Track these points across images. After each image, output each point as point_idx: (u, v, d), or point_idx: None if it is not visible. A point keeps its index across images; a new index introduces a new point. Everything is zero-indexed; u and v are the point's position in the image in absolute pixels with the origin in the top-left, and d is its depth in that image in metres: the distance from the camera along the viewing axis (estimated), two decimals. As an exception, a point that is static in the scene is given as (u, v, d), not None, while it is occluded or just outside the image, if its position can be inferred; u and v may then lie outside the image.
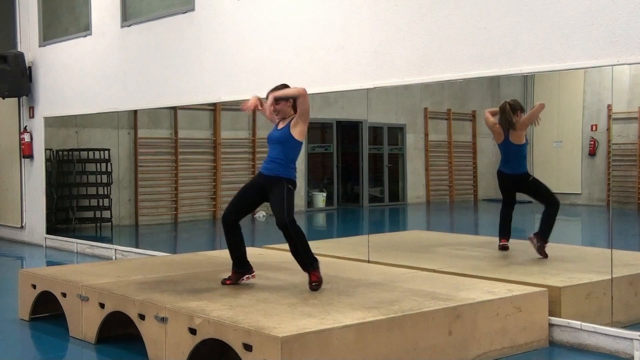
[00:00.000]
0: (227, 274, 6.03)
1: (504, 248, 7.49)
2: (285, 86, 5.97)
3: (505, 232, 7.53)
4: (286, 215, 5.64)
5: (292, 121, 5.83)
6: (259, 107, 6.03)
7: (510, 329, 5.47)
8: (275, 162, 5.82)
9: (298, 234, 5.71)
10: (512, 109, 7.27)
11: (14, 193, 12.85)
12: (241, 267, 6.00)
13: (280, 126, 5.91)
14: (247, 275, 6.01)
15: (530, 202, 10.08)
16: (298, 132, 5.81)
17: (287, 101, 5.84)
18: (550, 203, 7.29)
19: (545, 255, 7.06)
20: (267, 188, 5.80)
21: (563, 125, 10.39)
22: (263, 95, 6.08)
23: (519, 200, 7.63)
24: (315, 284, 5.71)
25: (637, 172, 9.67)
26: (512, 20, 6.14)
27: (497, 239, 7.52)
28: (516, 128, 7.28)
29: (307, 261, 5.77)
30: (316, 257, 5.81)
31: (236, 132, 12.63)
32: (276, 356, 4.28)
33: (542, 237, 7.14)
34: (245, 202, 5.96)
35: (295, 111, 5.83)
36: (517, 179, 7.38)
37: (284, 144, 5.81)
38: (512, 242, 7.45)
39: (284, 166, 5.80)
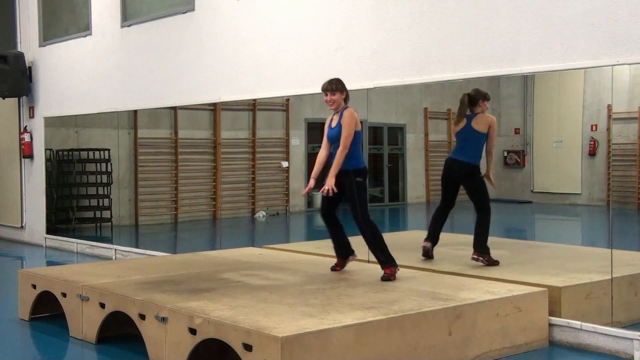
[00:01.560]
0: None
1: (426, 252, 7.20)
2: (338, 81, 6.24)
3: (432, 233, 7.23)
4: (360, 214, 6.09)
5: (342, 120, 6.13)
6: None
7: (510, 329, 5.47)
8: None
9: (372, 230, 6.13)
10: (470, 100, 6.96)
11: (14, 193, 12.85)
12: (344, 251, 6.50)
13: (335, 123, 6.22)
14: (351, 257, 6.52)
15: (530, 202, 10.08)
16: (347, 131, 6.08)
17: (341, 93, 6.19)
18: (482, 208, 6.96)
19: (496, 263, 6.77)
20: (341, 183, 6.14)
21: (563, 125, 10.39)
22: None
23: (520, 200, 7.61)
24: (387, 276, 6.05)
25: (637, 172, 9.68)
26: (512, 20, 6.14)
27: (496, 239, 7.46)
28: (479, 118, 6.93)
29: (382, 258, 6.11)
30: (393, 257, 6.12)
31: (236, 132, 12.63)
32: (276, 356, 4.29)
33: (482, 250, 6.83)
34: (330, 199, 6.24)
35: (345, 103, 6.24)
36: (467, 169, 6.98)
37: (339, 141, 6.11)
38: (512, 242, 7.44)
39: (348, 158, 6.10)
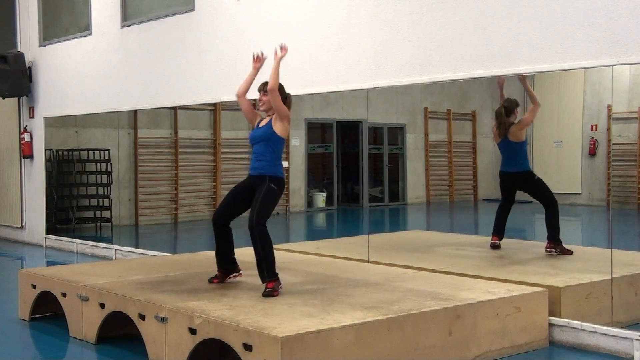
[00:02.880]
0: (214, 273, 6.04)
1: (494, 246, 7.49)
2: (267, 84, 5.90)
3: (498, 230, 7.54)
4: (255, 217, 5.57)
5: (273, 118, 5.81)
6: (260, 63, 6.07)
7: (510, 329, 5.47)
8: (260, 160, 5.79)
9: (263, 239, 5.56)
10: (506, 111, 7.33)
11: (14, 193, 12.85)
12: (228, 266, 6.02)
13: (262, 124, 5.91)
14: (234, 274, 6.04)
15: (530, 202, 10.08)
16: (279, 128, 5.77)
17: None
18: (549, 203, 7.31)
19: (569, 252, 7.13)
20: (255, 188, 5.75)
21: (563, 125, 10.38)
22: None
23: (519, 200, 7.62)
24: (269, 290, 5.48)
25: (637, 172, 9.67)
26: (512, 20, 6.14)
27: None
28: (514, 129, 7.30)
29: (267, 269, 5.55)
30: (277, 272, 5.60)
31: (236, 132, 12.63)
32: (276, 356, 4.29)
33: (556, 242, 7.18)
34: (235, 203, 5.91)
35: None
36: (520, 177, 7.40)
37: (267, 141, 5.78)
38: (512, 242, 7.45)
39: (270, 163, 5.77)
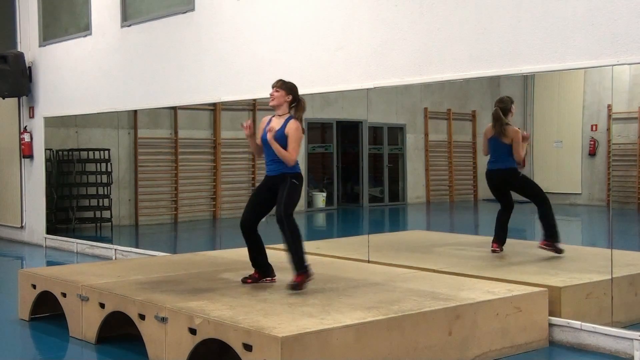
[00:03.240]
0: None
1: (495, 253, 7.40)
2: (283, 82, 5.98)
3: (499, 237, 7.43)
4: (283, 208, 5.69)
5: (287, 128, 5.83)
6: (250, 131, 6.03)
7: (510, 329, 5.47)
8: (277, 162, 5.87)
9: (293, 230, 5.69)
10: (503, 112, 7.27)
11: (14, 193, 12.85)
12: (263, 270, 6.05)
13: (275, 126, 5.90)
14: (268, 278, 6.04)
15: (530, 202, 10.08)
16: (291, 146, 5.82)
17: (286, 94, 5.92)
18: (541, 201, 7.24)
19: (561, 251, 7.08)
20: (276, 187, 5.86)
21: (563, 125, 10.38)
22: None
23: (518, 200, 7.61)
24: (295, 284, 5.63)
25: (637, 172, 9.67)
26: (512, 20, 6.14)
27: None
28: (510, 131, 7.25)
29: (297, 261, 5.69)
30: (306, 265, 5.71)
31: (236, 132, 12.62)
32: (276, 356, 4.29)
33: (552, 239, 7.13)
34: (259, 205, 5.99)
35: (290, 111, 5.96)
36: (504, 174, 7.31)
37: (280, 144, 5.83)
38: (512, 242, 7.44)
39: (288, 166, 5.85)
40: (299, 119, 5.95)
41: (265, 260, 6.05)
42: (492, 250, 7.40)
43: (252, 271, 6.07)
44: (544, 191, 7.38)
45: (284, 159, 5.78)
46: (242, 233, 5.97)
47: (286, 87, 5.95)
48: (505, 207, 7.46)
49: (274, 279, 6.04)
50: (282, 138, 5.81)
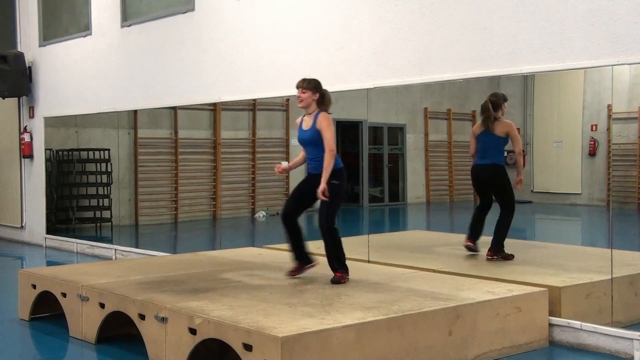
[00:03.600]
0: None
1: (469, 249, 7.34)
2: (307, 81, 6.13)
3: (472, 231, 7.36)
4: (325, 221, 5.96)
5: (317, 123, 6.02)
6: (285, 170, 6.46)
7: (510, 329, 5.47)
8: (317, 160, 6.07)
9: (333, 237, 5.99)
10: (493, 106, 7.12)
11: (14, 193, 12.85)
12: (303, 259, 6.28)
13: (306, 126, 6.13)
14: (309, 265, 6.29)
15: (530, 202, 10.09)
16: (327, 137, 6.03)
17: (313, 93, 6.09)
18: (509, 209, 7.11)
19: (511, 257, 7.00)
20: (318, 184, 5.97)
21: (563, 125, 10.39)
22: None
23: (520, 200, 7.61)
24: (337, 278, 5.95)
25: (637, 172, 9.68)
26: (512, 20, 6.14)
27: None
28: (499, 125, 7.13)
29: (338, 263, 6.01)
30: (346, 266, 6.05)
31: (236, 132, 12.63)
32: (276, 356, 4.29)
33: (497, 250, 7.02)
34: (300, 199, 6.22)
35: (318, 107, 6.12)
36: (491, 169, 7.15)
37: (315, 144, 6.05)
38: (513, 242, 7.44)
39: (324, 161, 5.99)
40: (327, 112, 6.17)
41: (305, 250, 6.29)
42: (465, 245, 7.33)
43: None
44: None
45: (331, 163, 5.95)
46: (283, 225, 6.21)
47: (312, 86, 6.10)
48: (485, 204, 7.34)
49: (315, 264, 6.30)
50: (316, 134, 6.01)
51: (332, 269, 6.04)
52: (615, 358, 5.46)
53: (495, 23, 6.25)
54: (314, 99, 6.09)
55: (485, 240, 7.22)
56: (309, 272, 6.27)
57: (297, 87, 6.13)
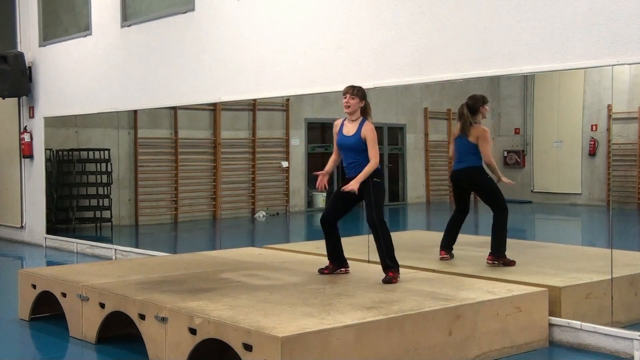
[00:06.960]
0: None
1: (445, 260, 7.14)
2: (356, 88, 6.22)
3: (448, 241, 7.17)
4: (375, 214, 6.05)
5: (363, 131, 6.11)
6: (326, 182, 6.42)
7: (510, 329, 5.47)
8: (355, 166, 6.17)
9: (385, 234, 6.07)
10: (470, 110, 6.92)
11: (14, 193, 12.85)
12: (339, 261, 6.44)
13: (350, 130, 6.20)
14: (342, 269, 6.43)
15: (530, 202, 10.09)
16: (373, 149, 6.09)
17: (360, 100, 6.19)
18: (500, 209, 6.84)
19: (512, 263, 6.77)
20: (360, 188, 6.05)
21: (563, 125, 10.40)
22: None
23: (520, 200, 7.60)
24: (389, 278, 5.99)
25: (637, 172, 9.69)
26: (512, 20, 6.14)
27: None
28: (474, 131, 6.90)
29: (388, 262, 6.06)
30: (397, 263, 6.12)
31: (236, 132, 12.63)
32: (276, 356, 4.29)
33: (499, 255, 6.80)
34: (340, 203, 6.32)
35: (362, 114, 6.23)
36: (469, 172, 6.94)
37: (357, 151, 6.15)
38: (513, 242, 7.43)
39: (364, 165, 6.09)
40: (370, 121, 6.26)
41: (341, 253, 6.43)
42: (440, 258, 7.16)
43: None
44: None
45: (372, 170, 6.04)
46: (322, 228, 6.35)
47: (360, 93, 6.21)
48: (461, 210, 7.15)
49: (348, 270, 6.44)
50: (360, 142, 6.12)
51: (384, 268, 6.07)
52: (615, 358, 5.46)
53: (495, 23, 6.25)
54: (360, 106, 6.22)
55: (485, 241, 7.21)
56: (313, 272, 6.27)
57: (346, 92, 6.23)
